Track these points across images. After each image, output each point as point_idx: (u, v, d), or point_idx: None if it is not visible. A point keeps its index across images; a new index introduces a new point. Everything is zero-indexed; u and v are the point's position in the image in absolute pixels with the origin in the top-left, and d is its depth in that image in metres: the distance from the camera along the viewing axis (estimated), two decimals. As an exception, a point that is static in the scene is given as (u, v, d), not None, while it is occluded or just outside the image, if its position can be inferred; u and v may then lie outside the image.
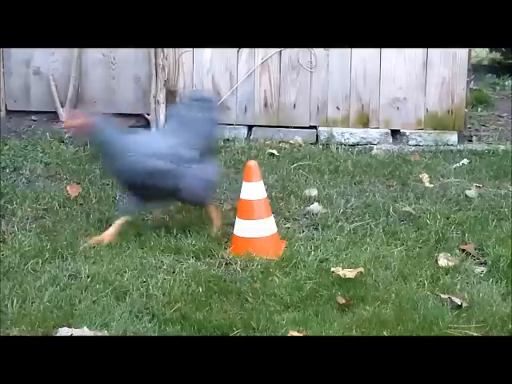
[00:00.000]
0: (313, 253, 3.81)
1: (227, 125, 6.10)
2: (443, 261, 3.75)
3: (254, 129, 6.14)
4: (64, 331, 3.01)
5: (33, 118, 6.20)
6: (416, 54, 5.99)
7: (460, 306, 3.31)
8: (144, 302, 3.33)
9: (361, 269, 3.57)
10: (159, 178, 3.85)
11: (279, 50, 6.03)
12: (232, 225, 3.97)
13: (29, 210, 4.35)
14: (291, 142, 5.93)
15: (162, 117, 6.08)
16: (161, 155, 3.87)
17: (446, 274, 3.63)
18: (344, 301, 3.32)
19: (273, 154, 5.60)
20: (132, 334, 3.06)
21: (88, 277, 3.51)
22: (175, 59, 6.11)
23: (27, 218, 4.24)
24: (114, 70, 6.17)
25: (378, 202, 4.56)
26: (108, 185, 4.83)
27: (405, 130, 6.07)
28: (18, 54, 6.15)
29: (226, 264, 3.73)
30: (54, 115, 6.16)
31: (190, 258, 3.77)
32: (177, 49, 6.05)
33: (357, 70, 6.05)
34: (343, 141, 6.01)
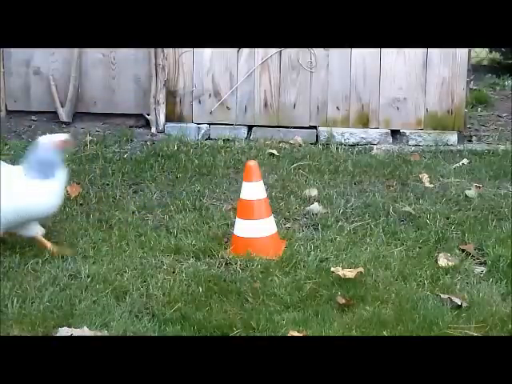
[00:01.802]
0: (313, 253, 3.81)
1: (227, 125, 6.11)
2: (443, 261, 3.75)
3: (253, 129, 6.14)
4: (64, 331, 3.01)
5: (33, 118, 6.20)
6: (416, 53, 5.99)
7: (460, 305, 3.32)
8: (144, 301, 3.33)
9: (361, 269, 3.57)
10: None
11: (279, 50, 6.03)
12: (232, 225, 3.98)
13: (29, 209, 4.35)
14: (291, 142, 5.93)
15: (161, 117, 6.09)
16: None
17: (446, 274, 3.63)
18: (344, 301, 3.32)
19: (273, 154, 5.60)
20: (132, 334, 3.06)
21: (88, 277, 3.51)
22: (175, 59, 6.11)
23: (27, 218, 4.24)
24: (114, 70, 6.17)
25: (378, 202, 4.56)
26: (108, 185, 4.83)
27: (405, 130, 6.07)
28: (18, 53, 6.14)
29: (226, 264, 3.73)
30: (53, 115, 6.16)
31: (190, 258, 3.78)
32: (177, 49, 6.06)
33: (357, 70, 6.05)
34: (343, 141, 6.01)
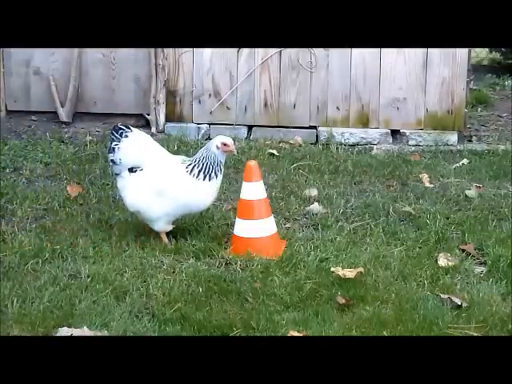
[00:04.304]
0: (313, 253, 3.81)
1: (227, 125, 6.11)
2: (443, 261, 3.76)
3: (253, 129, 6.14)
4: (64, 331, 3.01)
5: (33, 118, 6.21)
6: (416, 53, 5.99)
7: (460, 305, 3.32)
8: (144, 301, 3.34)
9: (361, 269, 3.57)
10: None
11: (279, 50, 6.03)
12: (232, 225, 3.98)
13: (29, 210, 4.35)
14: (291, 142, 5.93)
15: (161, 117, 6.09)
16: None
17: (446, 274, 3.64)
18: (344, 301, 3.32)
19: (273, 154, 5.60)
20: (132, 334, 3.06)
21: (88, 277, 3.52)
22: (175, 59, 6.11)
23: (27, 218, 4.24)
24: (114, 70, 6.17)
25: (378, 202, 4.56)
26: (108, 185, 4.83)
27: (405, 130, 6.07)
28: (18, 53, 6.14)
29: (226, 264, 3.73)
30: (53, 115, 6.16)
31: (190, 258, 3.78)
32: (177, 49, 6.06)
33: (357, 70, 6.05)
34: (343, 141, 6.01)
